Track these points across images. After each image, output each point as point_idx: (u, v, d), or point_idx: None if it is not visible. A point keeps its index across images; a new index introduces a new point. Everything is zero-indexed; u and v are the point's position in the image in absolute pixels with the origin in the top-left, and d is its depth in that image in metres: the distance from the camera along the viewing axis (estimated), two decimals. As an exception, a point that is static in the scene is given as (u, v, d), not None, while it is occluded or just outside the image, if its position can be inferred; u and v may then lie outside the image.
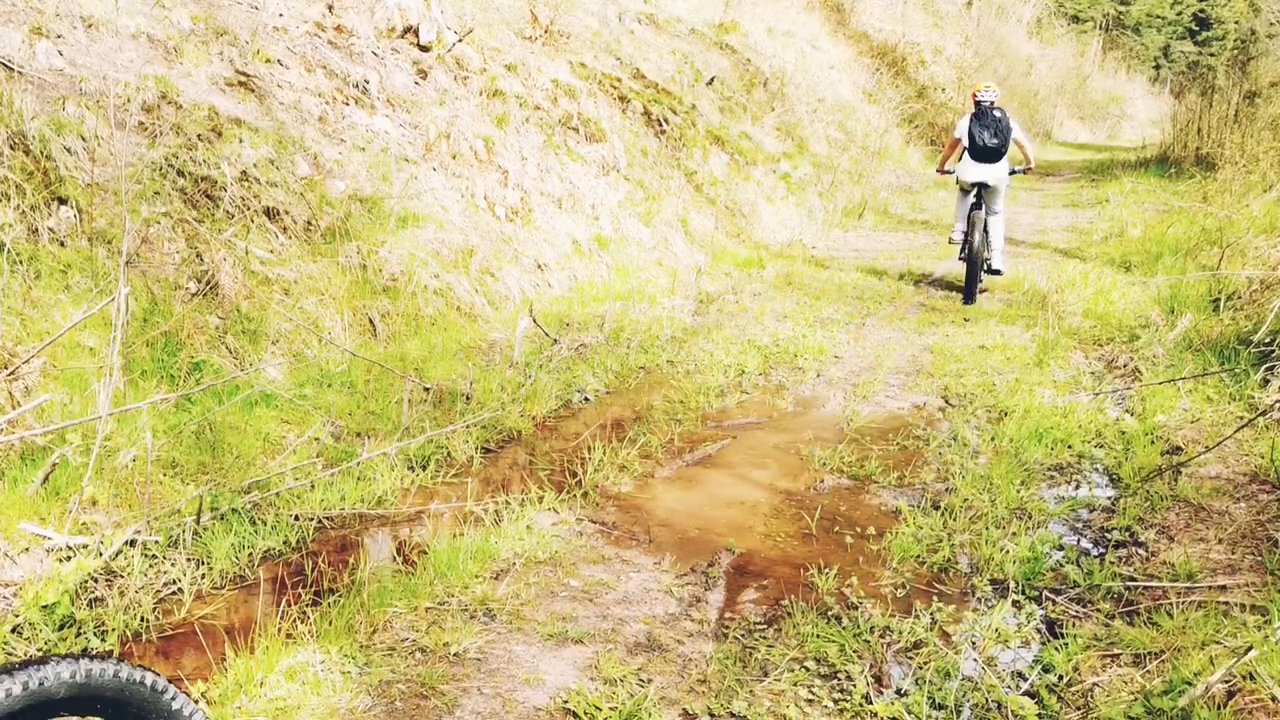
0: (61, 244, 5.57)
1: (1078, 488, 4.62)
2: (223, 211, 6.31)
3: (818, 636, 3.28)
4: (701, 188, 11.55)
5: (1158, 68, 48.27)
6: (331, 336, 5.98)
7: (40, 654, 1.26)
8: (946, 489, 4.54)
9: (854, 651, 3.20)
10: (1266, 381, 5.42)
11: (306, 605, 3.42)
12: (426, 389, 5.72)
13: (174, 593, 3.57)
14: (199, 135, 6.65)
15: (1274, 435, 4.71)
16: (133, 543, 3.73)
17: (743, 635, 3.32)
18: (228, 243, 6.13)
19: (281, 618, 3.14)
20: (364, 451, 4.72)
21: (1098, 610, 3.45)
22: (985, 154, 8.51)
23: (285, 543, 3.99)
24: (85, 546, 3.66)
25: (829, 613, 3.46)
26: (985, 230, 8.61)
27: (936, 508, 4.33)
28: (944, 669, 3.08)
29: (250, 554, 3.86)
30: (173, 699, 1.53)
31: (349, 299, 6.30)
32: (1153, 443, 4.91)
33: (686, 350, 7.04)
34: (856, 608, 3.49)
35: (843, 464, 4.91)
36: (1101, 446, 5.05)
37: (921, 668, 3.12)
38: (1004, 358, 6.66)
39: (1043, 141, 27.64)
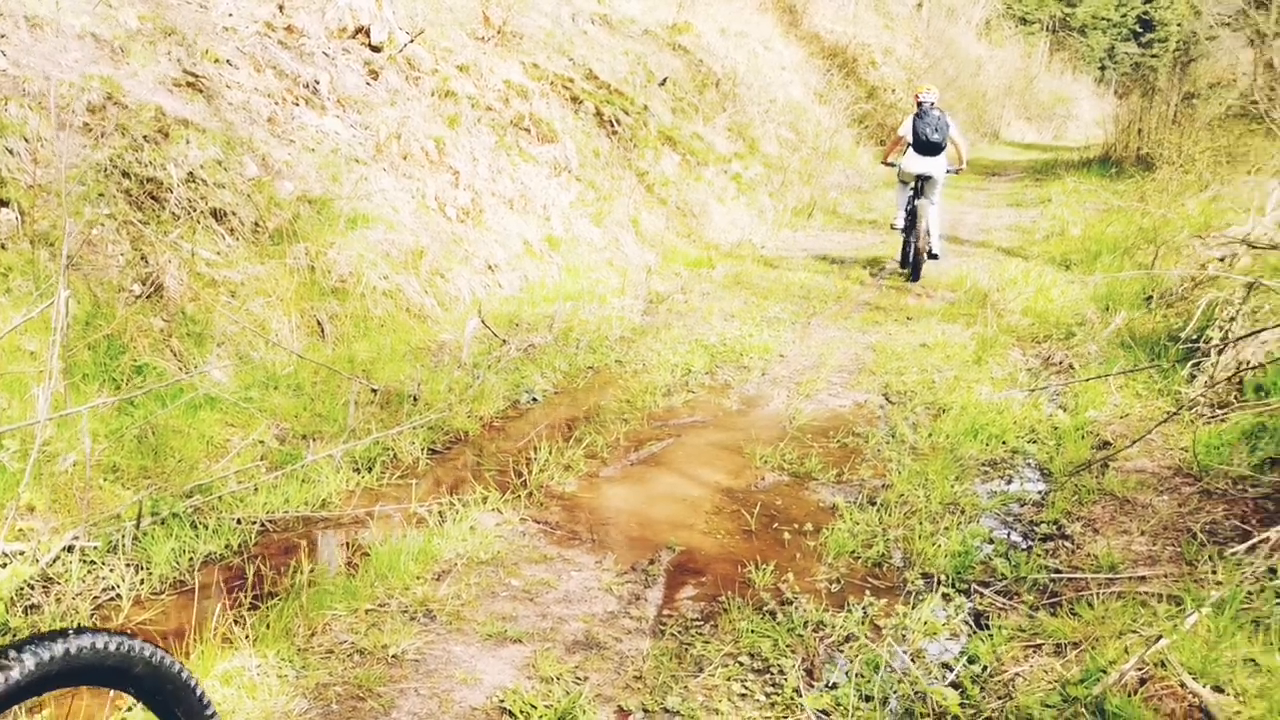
0: (2, 247, 5.52)
1: (1010, 482, 4.76)
2: (168, 213, 6.28)
3: (753, 632, 3.36)
4: (653, 188, 11.62)
5: (1103, 69, 49.19)
6: (279, 339, 5.97)
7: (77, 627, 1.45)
8: (883, 485, 4.66)
9: (787, 646, 3.29)
10: (1192, 377, 5.60)
11: (246, 609, 3.44)
12: (374, 390, 5.74)
13: (112, 599, 3.57)
14: (145, 136, 6.61)
15: (1197, 429, 4.88)
16: (71, 548, 3.73)
17: (680, 632, 3.39)
18: (173, 244, 6.10)
19: (219, 622, 3.15)
20: (309, 454, 4.74)
21: (1023, 602, 3.57)
22: (927, 148, 9.32)
23: (227, 546, 4.01)
24: (21, 553, 3.65)
25: (765, 608, 3.54)
26: (925, 219, 9.36)
27: (873, 503, 4.44)
28: (873, 662, 3.17)
29: (191, 558, 3.86)
30: (179, 670, 1.68)
31: (297, 301, 6.30)
32: (1083, 438, 5.07)
33: (635, 350, 7.11)
34: (792, 603, 3.58)
35: (783, 461, 5.01)
36: (1035, 442, 5.20)
37: (852, 661, 3.21)
38: (944, 355, 6.80)
39: (990, 141, 28.07)
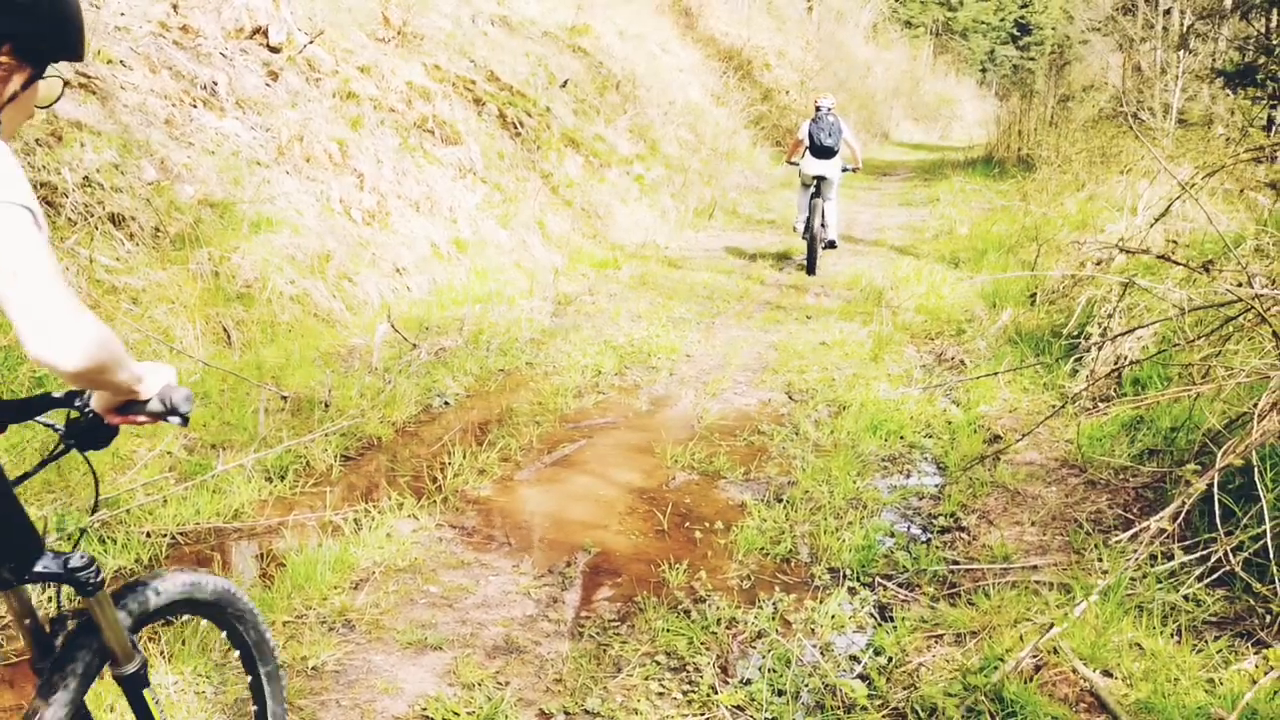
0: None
1: (909, 477, 5.00)
2: (64, 219, 6.11)
3: (668, 631, 3.48)
4: (558, 190, 11.69)
5: (984, 71, 51.00)
6: (183, 346, 5.88)
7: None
8: (789, 482, 4.84)
9: (702, 644, 3.42)
10: (1075, 372, 5.95)
11: (160, 626, 3.42)
12: (284, 397, 5.69)
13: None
14: (37, 140, 6.41)
15: (1081, 422, 5.19)
16: (-24, 567, 3.65)
17: (598, 633, 3.50)
18: (70, 251, 5.94)
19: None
20: (219, 464, 4.70)
21: (924, 593, 3.77)
22: (822, 152, 10.21)
23: (137, 561, 3.96)
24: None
25: (679, 607, 3.67)
26: (823, 215, 10.25)
27: (780, 500, 4.62)
28: (785, 656, 3.32)
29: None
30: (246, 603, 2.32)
31: (201, 307, 6.20)
32: (975, 432, 5.35)
33: (545, 352, 7.18)
34: (705, 601, 3.72)
35: (693, 461, 5.16)
36: (931, 437, 5.46)
37: (764, 656, 3.36)
38: (843, 353, 7.06)
39: (881, 142, 28.86)
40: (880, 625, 3.58)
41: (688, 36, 22.02)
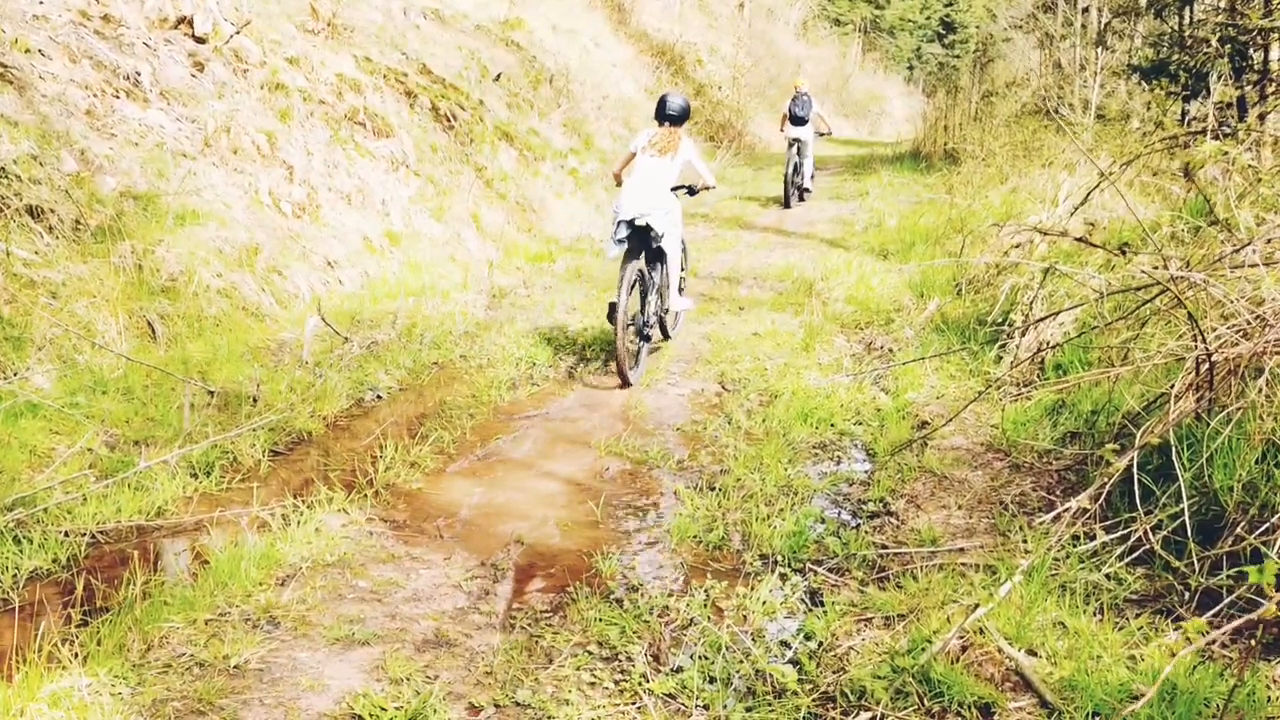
0: None
1: (839, 463, 5.07)
2: (-24, 211, 5.93)
3: (600, 620, 3.48)
4: (492, 183, 11.62)
5: (911, 68, 51.86)
6: (105, 341, 5.73)
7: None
8: (721, 470, 4.88)
9: (634, 633, 3.42)
10: (999, 358, 6.07)
11: (75, 626, 3.34)
12: (211, 392, 5.59)
13: (-69, 620, 3.40)
14: (-56, 128, 6.21)
15: (1005, 407, 5.31)
16: (-116, 569, 3.53)
17: (529, 625, 3.48)
18: (-18, 244, 5.77)
19: (45, 641, 3.03)
20: (142, 460, 4.60)
21: (854, 578, 3.81)
22: (798, 121, 14.32)
23: (54, 561, 3.86)
24: None
25: (612, 596, 3.68)
26: (799, 167, 14.57)
27: (713, 489, 4.65)
28: (716, 644, 3.34)
29: (15, 575, 3.71)
30: None
31: (124, 301, 6.05)
32: (903, 419, 5.44)
33: (479, 344, 7.14)
34: (638, 590, 3.73)
35: (626, 451, 5.17)
36: (860, 424, 5.54)
37: (696, 644, 3.38)
38: (775, 343, 7.13)
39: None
40: (810, 610, 3.61)
41: (620, 32, 22.02)
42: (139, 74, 8.18)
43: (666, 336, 7.18)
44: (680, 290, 7.08)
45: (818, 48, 37.76)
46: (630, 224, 6.29)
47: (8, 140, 6.49)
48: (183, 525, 4.25)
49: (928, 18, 50.48)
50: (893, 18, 48.45)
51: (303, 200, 8.62)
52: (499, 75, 13.95)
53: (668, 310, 6.83)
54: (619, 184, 6.83)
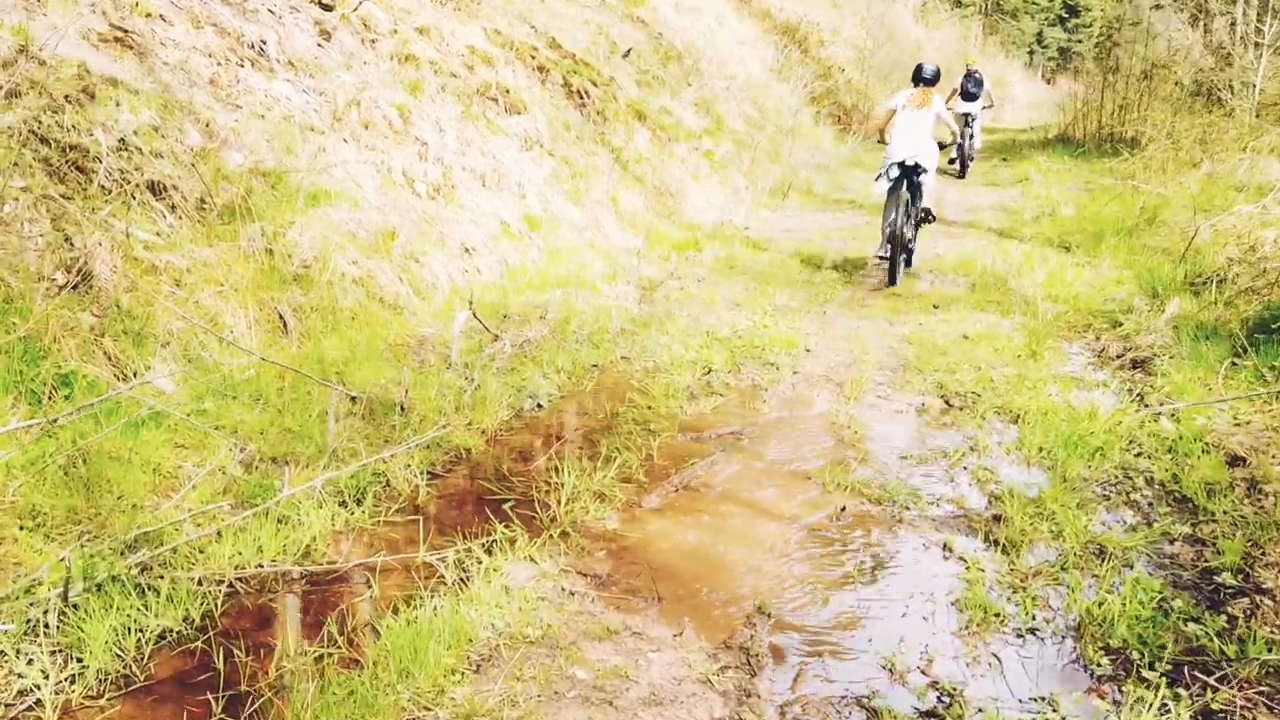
0: (-117, 226, 4.47)
1: (1141, 511, 3.97)
2: (97, 186, 5.23)
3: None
4: (627, 165, 10.72)
5: (1031, 53, 49.78)
6: (234, 336, 4.98)
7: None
8: (994, 517, 3.85)
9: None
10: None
11: (220, 721, 2.52)
12: (353, 399, 4.79)
13: (30, 707, 2.61)
14: (67, 96, 5.54)
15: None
16: (-23, 633, 2.76)
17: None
18: (104, 223, 5.06)
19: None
20: (284, 485, 3.78)
21: (1262, 694, 2.72)
22: (970, 96, 14.98)
23: (185, 619, 3.05)
24: (-91, 643, 2.67)
25: (925, 712, 2.70)
26: (971, 136, 15.18)
27: (993, 543, 3.64)
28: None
29: (139, 640, 2.91)
30: None
31: (254, 290, 5.30)
32: (1206, 451, 4.33)
33: (640, 344, 6.24)
34: (953, 698, 2.74)
35: (858, 484, 4.19)
36: (1143, 455, 4.44)
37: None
38: (992, 349, 6.06)
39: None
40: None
41: (743, 10, 20.93)
42: (264, 42, 7.47)
43: (909, 264, 8.57)
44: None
45: (938, 31, 36.05)
46: (900, 164, 7.91)
47: (128, 109, 5.80)
48: (336, 571, 3.42)
49: (1051, 1, 48.33)
50: (1016, 0, 46.47)
51: (438, 180, 7.83)
52: (629, 51, 13.04)
53: (912, 240, 8.50)
54: (880, 138, 8.76)
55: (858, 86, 23.27)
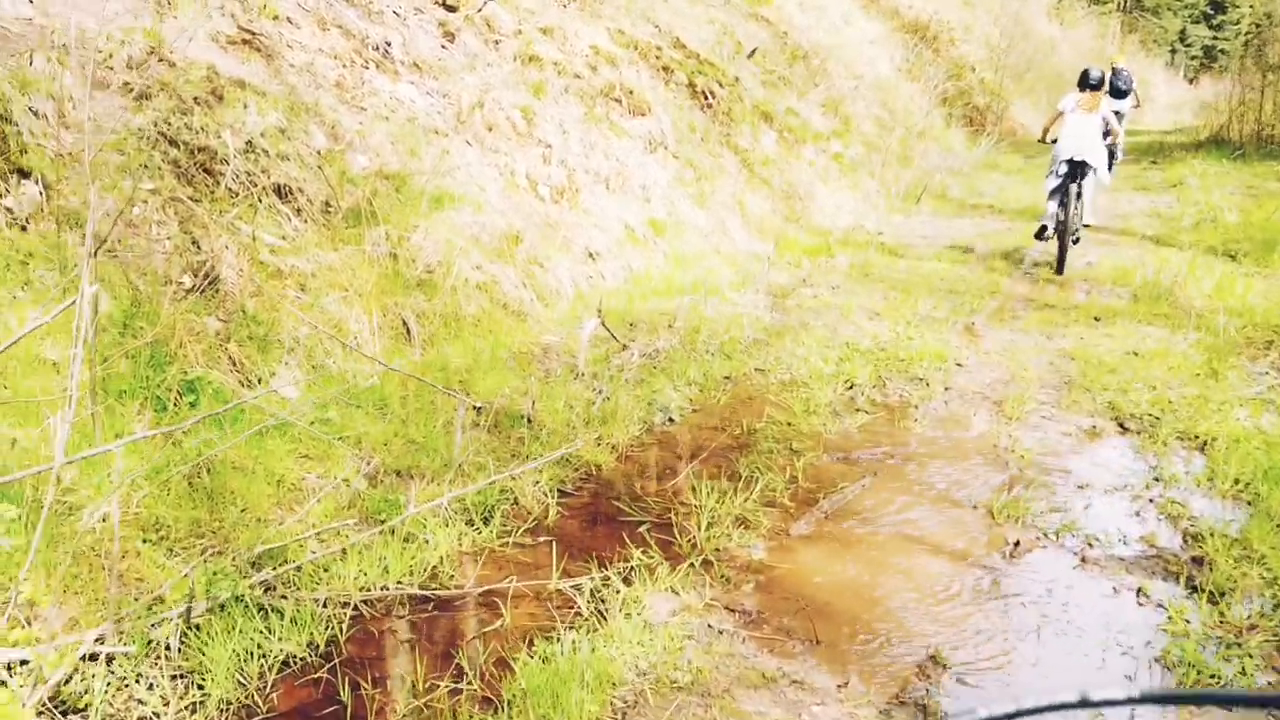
0: (22, 227, 4.45)
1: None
2: (224, 189, 5.18)
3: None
4: (754, 168, 10.37)
5: (1173, 52, 47.54)
6: (358, 342, 4.83)
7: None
8: (1194, 559, 3.39)
9: None
10: None
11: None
12: (477, 409, 4.58)
13: (151, 741, 2.43)
14: (195, 98, 5.52)
15: None
16: (94, 656, 2.60)
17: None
18: (230, 226, 4.99)
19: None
20: (409, 502, 3.57)
21: None
22: (1120, 94, 14.36)
23: (310, 645, 2.85)
24: (24, 664, 2.53)
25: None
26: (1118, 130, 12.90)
27: (1195, 588, 3.19)
28: None
29: (262, 666, 2.72)
30: None
31: (377, 295, 5.16)
32: None
33: (774, 355, 5.90)
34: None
35: (1032, 516, 3.77)
36: (1361, 493, 3.90)
37: None
38: (1166, 367, 5.51)
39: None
40: None
41: (870, 8, 20.34)
42: (389, 44, 7.41)
43: (1075, 241, 8.81)
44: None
45: (1074, 29, 34.63)
46: (1069, 161, 8.32)
47: (255, 111, 5.74)
48: (465, 596, 3.19)
49: (1196, -3, 46.14)
50: (1158, -5, 44.49)
51: (561, 183, 7.63)
52: (754, 51, 12.69)
53: (1079, 228, 8.74)
54: (1043, 139, 9.10)
55: (991, 86, 22.41)
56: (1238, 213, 10.41)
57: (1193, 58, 47.86)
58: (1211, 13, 48.25)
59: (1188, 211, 11.12)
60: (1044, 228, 8.47)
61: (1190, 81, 45.09)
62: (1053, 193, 8.40)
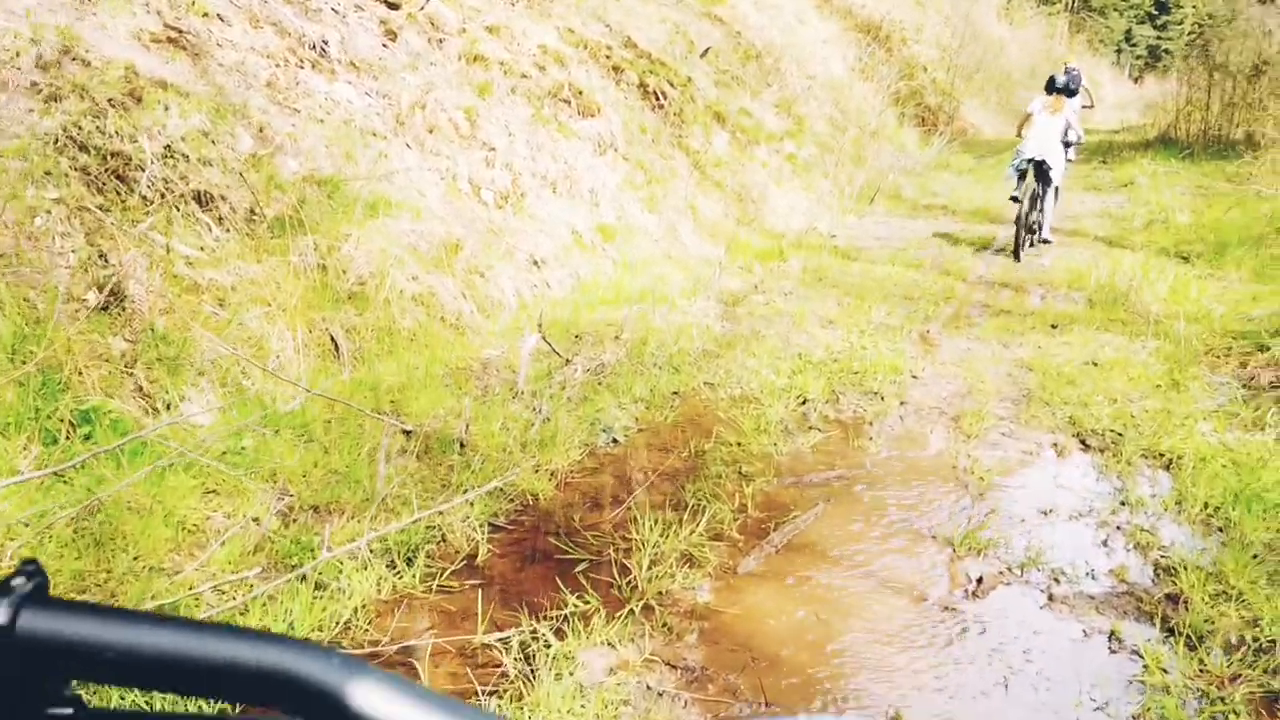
0: (-94, 241, 4.09)
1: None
2: (138, 197, 4.82)
3: None
4: (706, 169, 10.14)
5: (1119, 51, 48.19)
6: (281, 362, 4.51)
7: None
8: (1169, 597, 3.19)
9: None
10: None
11: None
12: (407, 432, 4.28)
13: None
14: (111, 100, 5.15)
15: None
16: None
17: None
18: (143, 237, 4.64)
19: None
20: (324, 543, 3.27)
21: None
22: (1070, 94, 14.06)
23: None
24: None
25: None
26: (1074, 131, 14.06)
27: (1170, 630, 2.98)
28: None
29: (145, 746, 2.40)
30: None
31: (304, 310, 4.83)
32: None
33: (724, 367, 5.65)
34: None
35: (993, 547, 3.55)
36: (1334, 517, 3.73)
37: None
38: (1126, 378, 5.34)
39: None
40: None
41: (824, 8, 20.21)
42: (326, 42, 7.06)
43: (1032, 245, 9.37)
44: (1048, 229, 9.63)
45: (1022, 29, 34.89)
46: (1031, 160, 9.00)
47: (177, 114, 5.39)
48: (379, 654, 2.89)
49: (1141, -3, 46.82)
50: (1105, -4, 45.04)
51: (506, 187, 7.33)
52: (706, 50, 12.45)
53: (1042, 226, 9.49)
54: (1019, 136, 9.62)
55: (942, 86, 22.41)
56: (1189, 213, 10.36)
57: (1138, 57, 48.57)
58: (1156, 13, 48.98)
59: (1139, 212, 11.07)
60: (1015, 199, 9.23)
61: (1135, 81, 45.70)
62: (1014, 191, 9.17)
